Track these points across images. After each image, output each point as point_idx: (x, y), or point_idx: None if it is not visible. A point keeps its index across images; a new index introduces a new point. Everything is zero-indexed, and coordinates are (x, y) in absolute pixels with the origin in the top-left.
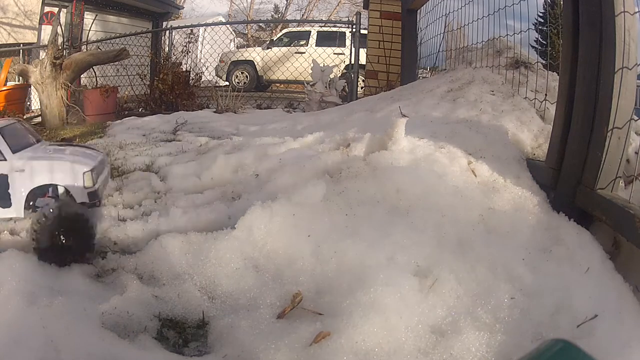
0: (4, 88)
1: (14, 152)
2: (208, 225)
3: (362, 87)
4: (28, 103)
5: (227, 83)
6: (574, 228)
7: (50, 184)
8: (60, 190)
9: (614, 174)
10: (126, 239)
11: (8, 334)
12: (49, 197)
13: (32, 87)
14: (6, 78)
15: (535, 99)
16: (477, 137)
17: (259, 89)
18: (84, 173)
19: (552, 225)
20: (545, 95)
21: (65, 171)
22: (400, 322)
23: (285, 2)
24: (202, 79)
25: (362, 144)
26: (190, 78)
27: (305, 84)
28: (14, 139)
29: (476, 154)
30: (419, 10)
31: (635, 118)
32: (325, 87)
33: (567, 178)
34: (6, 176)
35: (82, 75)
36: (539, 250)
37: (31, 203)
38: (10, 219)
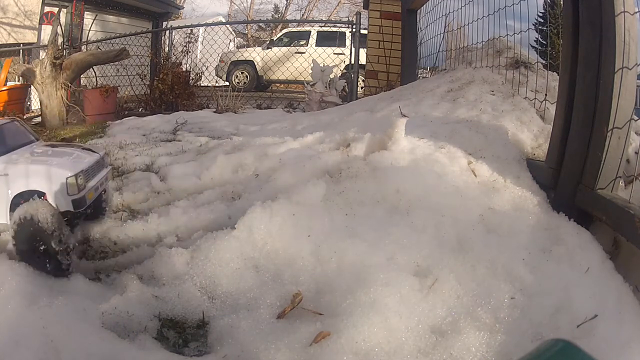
0: (4, 88)
1: (1, 154)
2: (208, 225)
3: (362, 87)
4: (28, 103)
5: (226, 83)
6: (574, 228)
7: (35, 190)
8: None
9: (614, 174)
10: (126, 239)
11: (8, 334)
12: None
13: (32, 87)
14: (6, 78)
15: (535, 99)
16: (477, 137)
17: (259, 89)
18: (67, 178)
19: (552, 225)
20: (545, 95)
21: (43, 176)
22: (400, 322)
23: (285, 2)
24: (202, 79)
25: (362, 144)
26: (190, 78)
27: (305, 84)
28: (5, 140)
29: (476, 154)
30: (419, 10)
31: (635, 118)
32: (325, 87)
33: (567, 178)
34: None
35: (82, 75)
36: (539, 250)
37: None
38: None
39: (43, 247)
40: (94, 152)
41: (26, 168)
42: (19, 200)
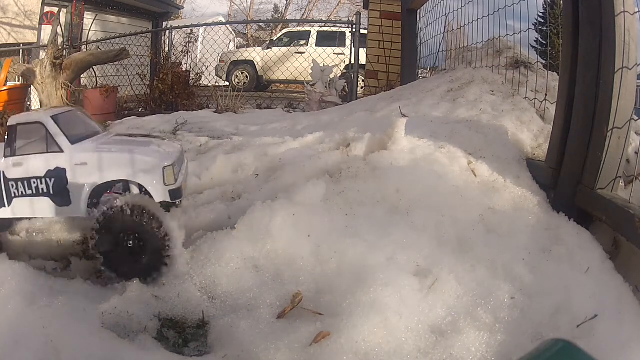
0: (4, 88)
1: (72, 142)
2: (208, 225)
3: (362, 87)
4: (28, 103)
5: (226, 83)
6: (574, 228)
7: (120, 180)
8: (134, 188)
9: (614, 174)
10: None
11: (8, 334)
12: (115, 193)
13: (32, 87)
14: (6, 78)
15: (535, 99)
16: (477, 137)
17: (259, 89)
18: (164, 168)
19: (552, 225)
20: (545, 95)
21: (141, 165)
22: (400, 322)
23: (285, 2)
24: (202, 79)
25: (362, 144)
26: (190, 78)
27: (305, 84)
28: (72, 128)
29: (476, 154)
30: (419, 10)
31: (635, 118)
32: (325, 87)
33: (567, 178)
34: (64, 170)
35: (82, 75)
36: (539, 250)
37: (94, 201)
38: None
39: (140, 243)
40: (173, 143)
41: (113, 157)
42: (100, 191)
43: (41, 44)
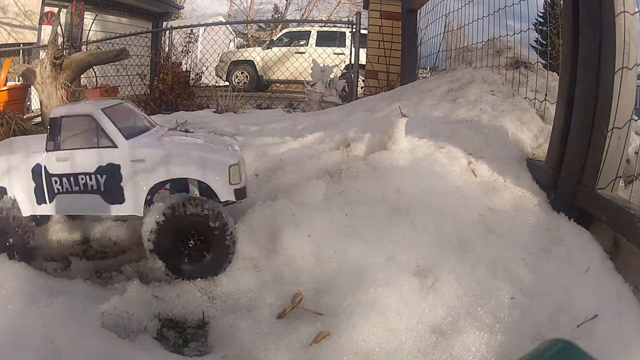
0: (4, 88)
1: (127, 137)
2: None
3: (362, 87)
4: (28, 103)
5: (226, 83)
6: (574, 228)
7: (183, 178)
8: (192, 187)
9: (614, 174)
10: (126, 239)
11: (8, 334)
12: (166, 190)
13: (32, 87)
14: (6, 78)
15: (535, 99)
16: (477, 137)
17: (259, 89)
18: (230, 166)
19: (552, 225)
20: (545, 95)
21: (206, 163)
22: (400, 322)
23: (285, 2)
24: (202, 79)
25: (362, 144)
26: (190, 78)
27: (305, 84)
28: (123, 122)
29: (476, 154)
30: (419, 10)
31: (635, 118)
32: (325, 87)
33: (567, 178)
34: (118, 166)
35: (82, 75)
36: (539, 250)
37: (149, 197)
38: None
39: (202, 242)
40: (231, 138)
41: (176, 154)
42: (156, 189)
43: (41, 44)
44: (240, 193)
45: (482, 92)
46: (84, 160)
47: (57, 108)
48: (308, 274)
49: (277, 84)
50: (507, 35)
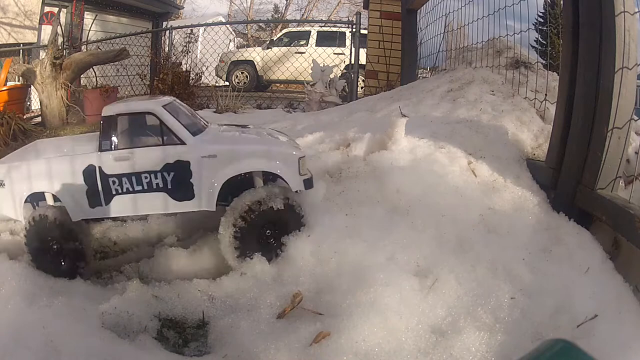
0: (4, 88)
1: (193, 134)
2: (208, 224)
3: (362, 87)
4: (28, 103)
5: (226, 83)
6: (574, 228)
7: (255, 172)
8: (258, 180)
9: (614, 174)
10: (126, 239)
11: (8, 334)
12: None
13: (32, 87)
14: (6, 78)
15: (535, 99)
16: (477, 137)
17: (259, 89)
18: (299, 158)
19: (552, 225)
20: (545, 95)
21: (278, 156)
22: (400, 322)
23: (285, 2)
24: (202, 79)
25: (362, 144)
26: (190, 78)
27: (305, 84)
28: (185, 119)
29: (476, 154)
30: (419, 10)
31: (635, 118)
32: (325, 87)
33: (567, 178)
34: (187, 163)
35: (82, 75)
36: (539, 250)
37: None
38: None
39: (279, 233)
40: (282, 132)
41: (247, 148)
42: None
43: (41, 44)
44: (308, 183)
45: (482, 92)
46: (148, 158)
47: (110, 106)
48: (308, 274)
49: (277, 84)
50: (507, 35)
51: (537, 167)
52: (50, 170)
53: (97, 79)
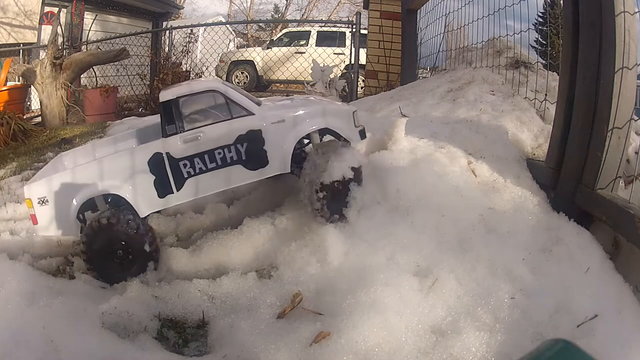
0: (4, 88)
1: (258, 105)
2: (208, 224)
3: (362, 87)
4: (28, 103)
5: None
6: (574, 228)
7: (320, 129)
8: (316, 136)
9: (614, 174)
10: None
11: (8, 334)
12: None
13: (32, 87)
14: (6, 78)
15: (535, 99)
16: (477, 137)
17: (259, 89)
18: (353, 112)
19: (552, 225)
20: (545, 95)
21: (337, 113)
22: (400, 322)
23: (285, 2)
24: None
25: (362, 144)
26: (190, 78)
27: (305, 84)
28: (246, 94)
29: (476, 154)
30: (419, 10)
31: (635, 118)
32: (325, 87)
33: (567, 178)
34: (259, 131)
35: (82, 75)
36: (539, 250)
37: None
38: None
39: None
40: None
41: (309, 110)
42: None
43: (41, 44)
44: (362, 133)
45: (482, 92)
46: (219, 134)
47: (166, 90)
48: (308, 274)
49: (277, 84)
50: (507, 35)
51: (537, 167)
52: (103, 172)
53: (97, 79)
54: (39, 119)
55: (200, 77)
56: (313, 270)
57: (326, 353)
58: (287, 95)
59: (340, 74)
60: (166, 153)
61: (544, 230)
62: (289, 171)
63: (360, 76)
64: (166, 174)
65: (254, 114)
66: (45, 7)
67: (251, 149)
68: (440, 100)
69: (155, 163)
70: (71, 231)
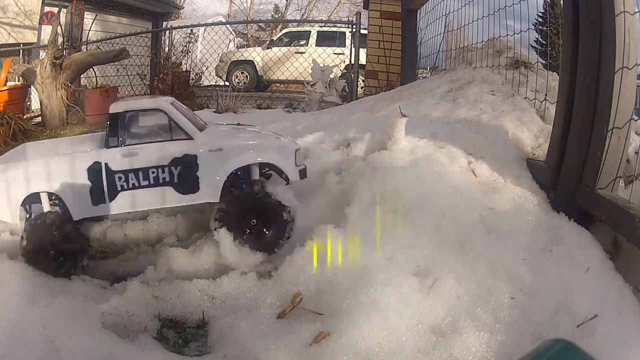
0: (4, 88)
1: (199, 130)
2: (208, 224)
3: (362, 87)
4: (28, 103)
5: (226, 83)
6: (574, 228)
7: (264, 163)
8: (255, 169)
9: (614, 174)
10: (126, 239)
11: (8, 334)
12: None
13: (32, 87)
14: (6, 78)
15: (535, 99)
16: (477, 137)
17: (259, 89)
18: (296, 150)
19: (552, 225)
20: (545, 95)
21: (278, 149)
22: (400, 322)
23: (285, 2)
24: (202, 79)
25: (362, 144)
26: (190, 78)
27: (305, 84)
28: (189, 116)
29: (476, 154)
30: (419, 10)
31: (635, 118)
32: (325, 87)
33: (567, 178)
34: (194, 157)
35: (82, 75)
36: (539, 250)
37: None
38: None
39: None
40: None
41: (251, 142)
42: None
43: (41, 44)
44: (303, 173)
45: (482, 92)
46: (156, 153)
47: (117, 103)
48: (308, 274)
49: (277, 84)
50: (507, 35)
51: (537, 167)
52: (50, 170)
53: (97, 79)
54: (39, 119)
55: (200, 77)
56: (313, 271)
57: (326, 353)
58: (243, 125)
59: (340, 74)
60: (105, 163)
61: (544, 230)
62: (218, 201)
63: (360, 76)
64: (102, 183)
65: (192, 139)
66: (45, 7)
67: (184, 174)
68: (440, 100)
69: (94, 171)
70: (15, 221)
